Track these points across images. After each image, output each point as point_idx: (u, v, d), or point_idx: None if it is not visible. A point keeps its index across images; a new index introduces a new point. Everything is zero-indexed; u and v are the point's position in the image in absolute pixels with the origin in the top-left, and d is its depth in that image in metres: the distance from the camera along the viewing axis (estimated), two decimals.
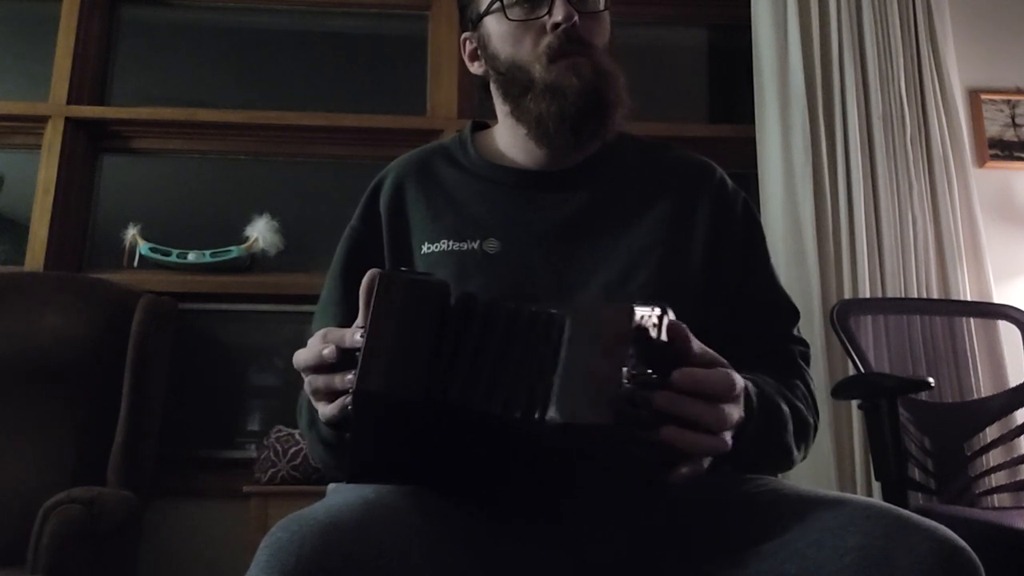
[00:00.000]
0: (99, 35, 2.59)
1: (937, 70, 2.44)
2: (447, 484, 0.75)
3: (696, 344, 0.70)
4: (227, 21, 2.70)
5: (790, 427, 0.86)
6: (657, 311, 0.67)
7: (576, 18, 0.92)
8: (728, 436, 0.70)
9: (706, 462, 0.70)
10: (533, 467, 0.72)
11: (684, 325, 0.69)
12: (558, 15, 0.92)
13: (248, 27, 2.71)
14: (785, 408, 0.86)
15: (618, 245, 0.95)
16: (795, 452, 0.89)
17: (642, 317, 0.65)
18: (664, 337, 0.67)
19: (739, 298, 0.97)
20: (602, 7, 0.98)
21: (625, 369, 0.64)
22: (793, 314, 1.01)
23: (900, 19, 2.45)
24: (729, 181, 1.04)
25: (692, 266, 0.96)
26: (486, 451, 0.71)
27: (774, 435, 0.85)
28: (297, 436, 2.07)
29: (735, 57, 2.75)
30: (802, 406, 0.91)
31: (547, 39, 0.94)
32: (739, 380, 0.71)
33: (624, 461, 0.67)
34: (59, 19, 2.50)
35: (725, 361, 0.72)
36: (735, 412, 0.71)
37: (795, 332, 1.00)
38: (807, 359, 1.00)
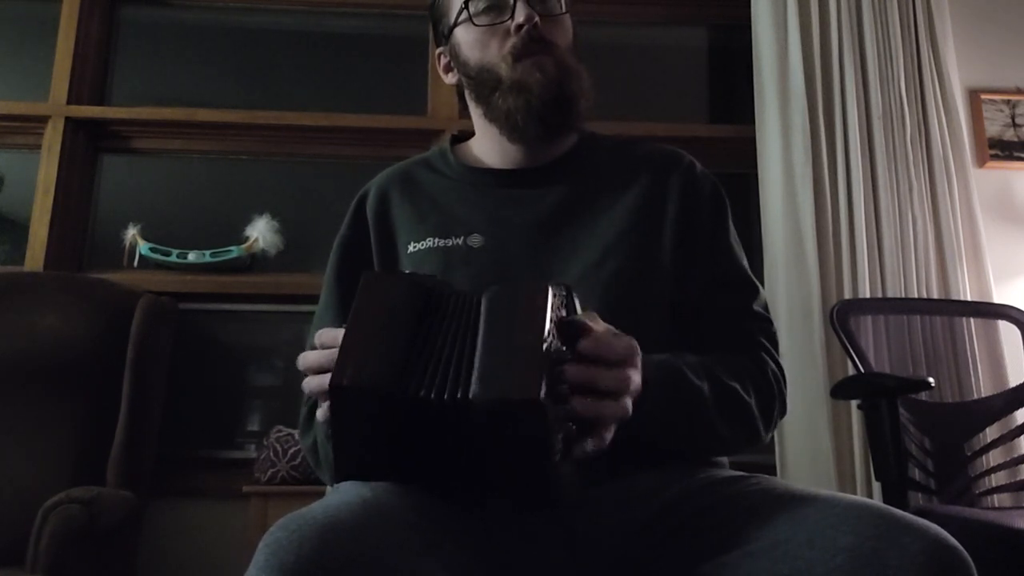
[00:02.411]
0: (99, 35, 2.59)
1: (937, 70, 2.44)
2: (431, 479, 0.75)
3: (601, 323, 0.74)
4: (227, 21, 2.70)
5: (708, 401, 0.86)
6: (563, 290, 0.70)
7: (537, 19, 0.99)
8: (628, 401, 0.72)
9: (609, 434, 0.71)
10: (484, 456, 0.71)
11: (592, 312, 0.74)
12: (520, 17, 0.99)
13: (248, 27, 2.71)
14: (699, 383, 0.86)
15: (594, 233, 0.99)
16: (724, 431, 0.88)
17: (554, 294, 0.68)
18: (572, 314, 0.70)
19: (701, 275, 0.99)
20: (563, 10, 1.05)
21: (546, 343, 0.65)
22: (752, 290, 1.02)
23: (900, 19, 2.45)
24: (698, 165, 1.08)
25: (663, 249, 0.99)
26: (453, 444, 0.70)
27: (682, 407, 0.85)
28: (297, 436, 2.07)
29: (735, 57, 2.75)
30: (737, 385, 0.90)
31: (511, 40, 1.00)
32: (637, 346, 0.76)
33: (538, 443, 0.66)
34: (59, 19, 2.51)
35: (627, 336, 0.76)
36: (636, 376, 0.74)
37: (755, 308, 1.01)
38: (770, 337, 0.99)
